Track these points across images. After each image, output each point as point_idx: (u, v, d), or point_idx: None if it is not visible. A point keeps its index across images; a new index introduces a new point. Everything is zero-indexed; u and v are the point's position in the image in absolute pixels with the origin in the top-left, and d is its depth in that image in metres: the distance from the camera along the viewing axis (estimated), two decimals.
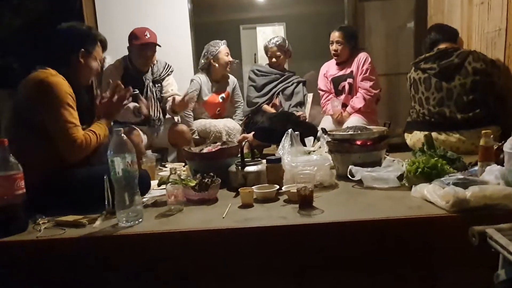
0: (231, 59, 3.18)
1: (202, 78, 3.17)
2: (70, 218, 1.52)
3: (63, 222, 1.50)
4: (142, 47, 2.76)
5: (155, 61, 2.93)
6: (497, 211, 1.35)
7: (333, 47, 3.12)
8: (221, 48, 3.13)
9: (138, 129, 2.80)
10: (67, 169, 1.69)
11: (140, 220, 1.48)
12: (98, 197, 1.57)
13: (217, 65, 3.15)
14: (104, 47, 1.89)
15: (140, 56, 2.79)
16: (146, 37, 2.76)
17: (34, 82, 1.67)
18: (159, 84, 2.93)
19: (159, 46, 2.82)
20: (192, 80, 3.16)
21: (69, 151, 1.66)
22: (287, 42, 3.30)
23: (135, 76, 2.81)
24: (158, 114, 2.86)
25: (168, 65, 2.97)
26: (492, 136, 1.74)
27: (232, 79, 3.31)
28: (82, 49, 1.79)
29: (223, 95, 3.21)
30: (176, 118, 3.03)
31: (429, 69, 2.48)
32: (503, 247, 1.03)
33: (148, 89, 2.83)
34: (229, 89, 3.26)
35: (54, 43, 1.80)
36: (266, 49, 3.30)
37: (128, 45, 2.83)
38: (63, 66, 1.74)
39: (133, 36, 2.78)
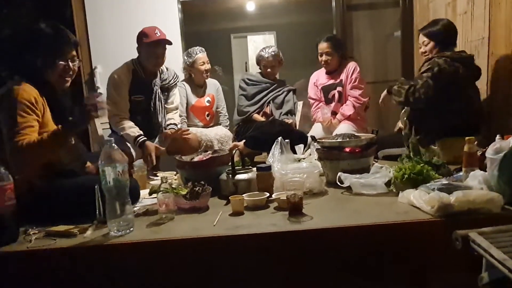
0: (208, 67, 3.14)
1: (186, 84, 3.19)
2: (61, 228, 1.52)
3: (54, 232, 1.50)
4: (152, 44, 2.66)
5: (165, 68, 2.88)
6: (480, 215, 1.39)
7: (323, 58, 3.17)
8: (196, 57, 3.11)
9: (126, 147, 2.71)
10: (57, 178, 1.69)
11: (131, 229, 1.49)
12: (89, 207, 1.58)
13: (193, 74, 3.18)
14: (74, 46, 1.82)
15: (151, 55, 2.68)
16: (157, 35, 2.67)
17: (6, 91, 1.67)
18: (166, 93, 2.89)
19: (171, 43, 2.75)
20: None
21: (9, 154, 1.58)
22: (280, 52, 3.34)
23: (144, 82, 2.74)
24: (164, 121, 2.83)
25: (177, 75, 2.95)
26: (476, 142, 1.79)
27: (213, 82, 3.31)
28: (47, 51, 1.73)
29: (208, 98, 3.23)
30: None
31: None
32: (485, 250, 1.06)
33: (157, 97, 2.77)
34: (213, 92, 3.27)
35: (20, 48, 1.76)
36: (261, 59, 3.29)
37: (137, 46, 2.74)
38: (33, 72, 1.71)
39: (143, 35, 2.69)
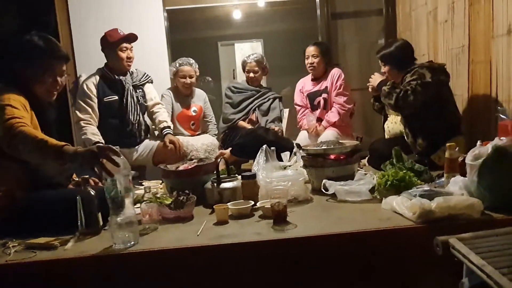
0: (189, 81, 3.15)
1: (171, 93, 3.21)
2: (42, 240, 1.49)
3: (34, 245, 1.47)
4: (121, 41, 2.72)
5: (135, 69, 2.92)
6: (461, 221, 1.41)
7: (309, 60, 3.20)
8: (179, 69, 3.14)
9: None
10: (37, 191, 1.65)
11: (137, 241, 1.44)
12: (71, 219, 1.55)
13: (176, 83, 3.22)
14: (63, 60, 1.79)
15: (122, 51, 2.73)
16: (121, 33, 2.74)
17: None
18: (140, 90, 2.91)
19: (136, 38, 2.79)
20: (162, 96, 3.18)
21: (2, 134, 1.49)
22: (264, 59, 3.37)
23: (114, 82, 2.78)
24: (138, 118, 2.84)
25: (147, 74, 2.99)
26: (457, 148, 1.82)
27: (200, 92, 3.33)
28: (37, 64, 1.69)
29: (195, 108, 3.24)
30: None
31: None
32: (464, 256, 1.08)
33: (129, 94, 2.79)
34: (200, 102, 3.29)
35: (9, 57, 1.72)
36: (244, 64, 3.35)
37: (103, 49, 2.80)
38: (20, 82, 1.67)
39: (107, 37, 2.74)
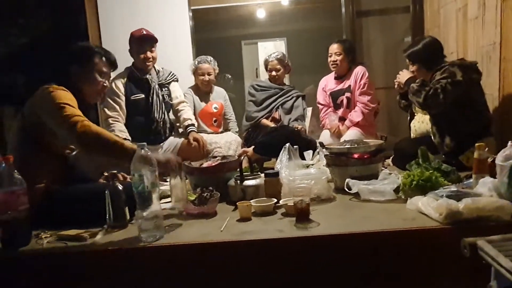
0: (208, 78, 3.20)
1: (193, 91, 3.27)
2: (72, 232, 1.55)
3: (65, 236, 1.53)
4: (139, 41, 2.82)
5: (161, 68, 3.00)
6: (490, 223, 1.37)
7: (332, 58, 3.17)
8: (198, 66, 3.20)
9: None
10: (69, 184, 1.72)
11: (163, 234, 1.47)
12: (100, 212, 1.61)
13: (196, 81, 3.28)
14: (113, 66, 1.91)
15: (140, 51, 2.83)
16: (143, 32, 2.84)
17: (37, 94, 1.72)
18: (166, 89, 2.99)
19: (156, 40, 2.87)
20: (184, 95, 3.23)
21: (68, 132, 1.59)
22: (286, 57, 3.37)
23: (141, 80, 2.88)
24: (163, 116, 2.91)
25: (173, 73, 3.06)
26: (487, 149, 1.77)
27: (220, 90, 3.38)
28: (92, 69, 1.80)
29: (216, 105, 3.28)
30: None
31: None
32: (493, 258, 1.05)
33: (154, 92, 2.87)
34: (220, 100, 3.33)
35: (60, 61, 1.83)
36: (266, 63, 3.37)
37: (129, 49, 2.89)
38: (68, 83, 1.74)
39: (131, 37, 2.87)
